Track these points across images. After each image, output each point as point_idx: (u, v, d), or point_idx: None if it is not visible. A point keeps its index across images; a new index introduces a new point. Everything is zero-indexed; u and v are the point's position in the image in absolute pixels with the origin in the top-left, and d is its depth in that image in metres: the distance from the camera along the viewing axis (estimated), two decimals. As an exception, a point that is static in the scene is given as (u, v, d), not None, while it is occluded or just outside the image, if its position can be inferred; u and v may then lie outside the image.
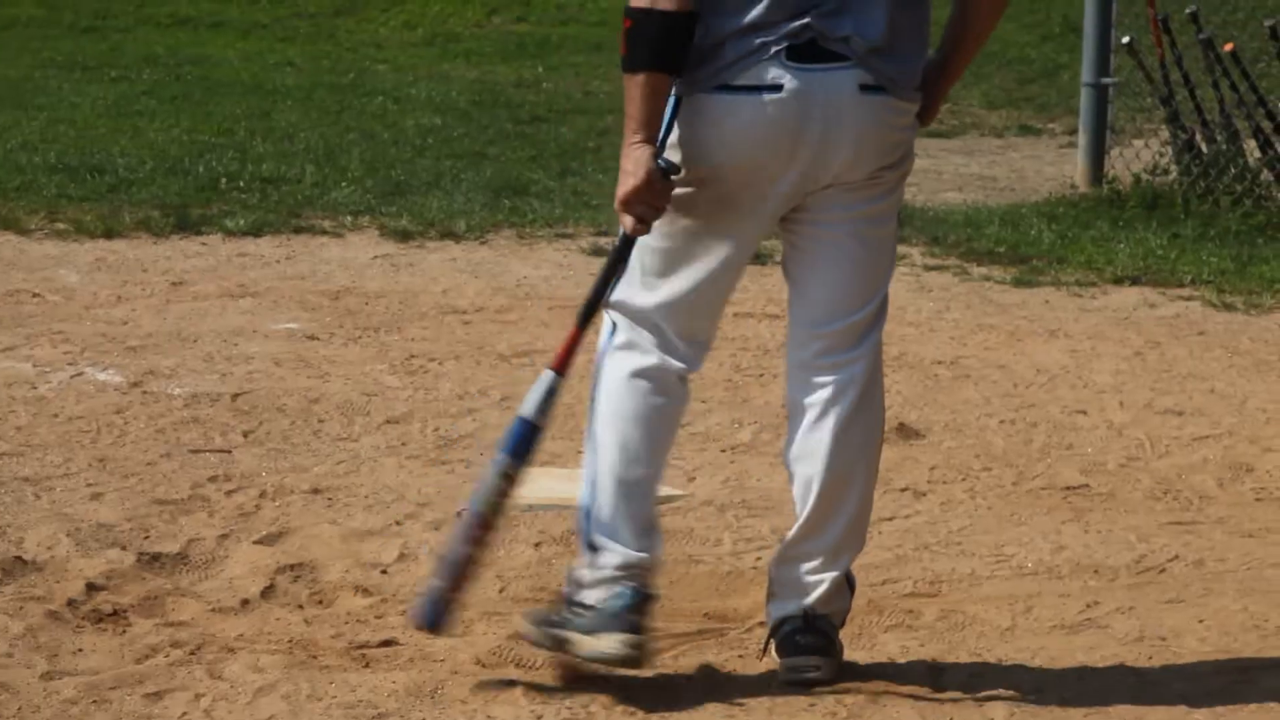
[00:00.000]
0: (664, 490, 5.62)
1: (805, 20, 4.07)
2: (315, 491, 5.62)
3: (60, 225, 9.34)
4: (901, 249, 9.25)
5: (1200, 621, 4.73)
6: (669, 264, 4.23)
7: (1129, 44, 10.45)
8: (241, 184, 10.32)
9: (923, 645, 4.55)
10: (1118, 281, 8.78)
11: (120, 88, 14.02)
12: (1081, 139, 10.93)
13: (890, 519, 5.50)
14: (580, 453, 6.03)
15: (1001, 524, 5.49)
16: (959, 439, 6.32)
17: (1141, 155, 10.51)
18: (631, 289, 4.26)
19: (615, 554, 4.23)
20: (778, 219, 4.25)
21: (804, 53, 4.08)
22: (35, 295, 8.03)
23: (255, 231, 9.35)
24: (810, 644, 4.28)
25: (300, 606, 4.74)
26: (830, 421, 4.27)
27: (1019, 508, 5.64)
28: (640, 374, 4.25)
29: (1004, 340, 7.71)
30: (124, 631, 4.55)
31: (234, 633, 4.55)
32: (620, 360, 4.27)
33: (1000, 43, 15.59)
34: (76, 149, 11.17)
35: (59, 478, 5.69)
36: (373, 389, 6.75)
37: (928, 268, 9.03)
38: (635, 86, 4.11)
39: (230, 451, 6.01)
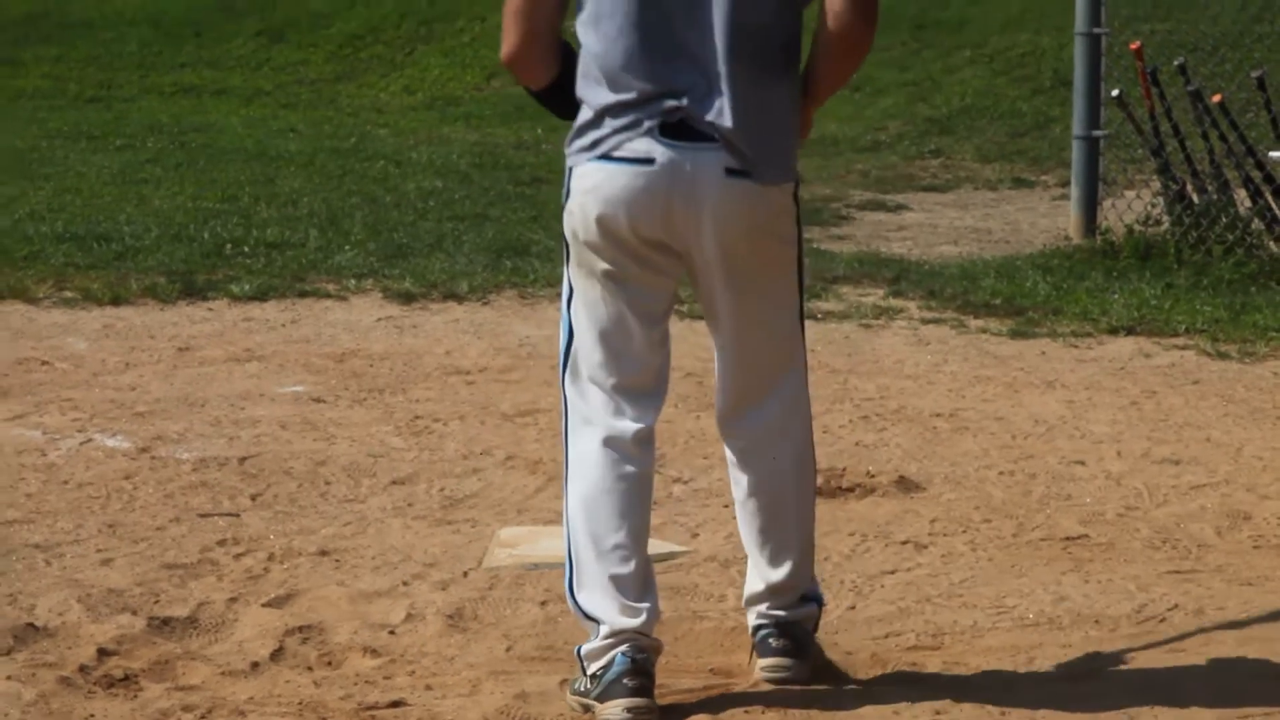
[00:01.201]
0: (667, 546, 5.64)
1: (678, 102, 4.28)
2: (323, 553, 5.62)
3: (68, 293, 9.36)
4: (898, 303, 9.35)
5: (1201, 670, 4.72)
6: (590, 326, 4.43)
7: (1118, 97, 10.47)
8: (246, 249, 10.34)
9: (926, 698, 4.53)
10: (1113, 332, 8.78)
11: (125, 156, 14.05)
12: (1074, 191, 10.95)
13: (892, 572, 5.50)
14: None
15: (1003, 575, 5.48)
16: (959, 491, 6.32)
17: (1134, 206, 10.52)
18: (571, 361, 4.47)
19: (605, 625, 4.37)
20: (677, 274, 4.47)
21: (675, 130, 4.30)
22: (44, 363, 8.04)
23: (260, 296, 9.37)
24: (783, 647, 4.51)
25: (309, 668, 4.72)
26: (759, 500, 4.56)
27: (1020, 559, 5.63)
28: (600, 446, 4.41)
29: (1002, 392, 7.71)
30: (135, 696, 4.54)
31: (244, 696, 4.53)
32: (579, 438, 4.45)
33: (992, 97, 15.68)
34: (83, 218, 11.20)
35: (69, 544, 5.69)
36: (378, 450, 6.75)
37: (924, 321, 9.03)
38: None
39: (238, 515, 6.01)
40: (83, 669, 4.66)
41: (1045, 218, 11.93)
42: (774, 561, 4.56)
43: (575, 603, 4.44)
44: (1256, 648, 4.86)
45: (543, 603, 5.18)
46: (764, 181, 4.35)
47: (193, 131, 15.48)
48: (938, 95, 15.89)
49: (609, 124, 4.32)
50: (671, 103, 4.28)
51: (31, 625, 4.95)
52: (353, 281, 9.67)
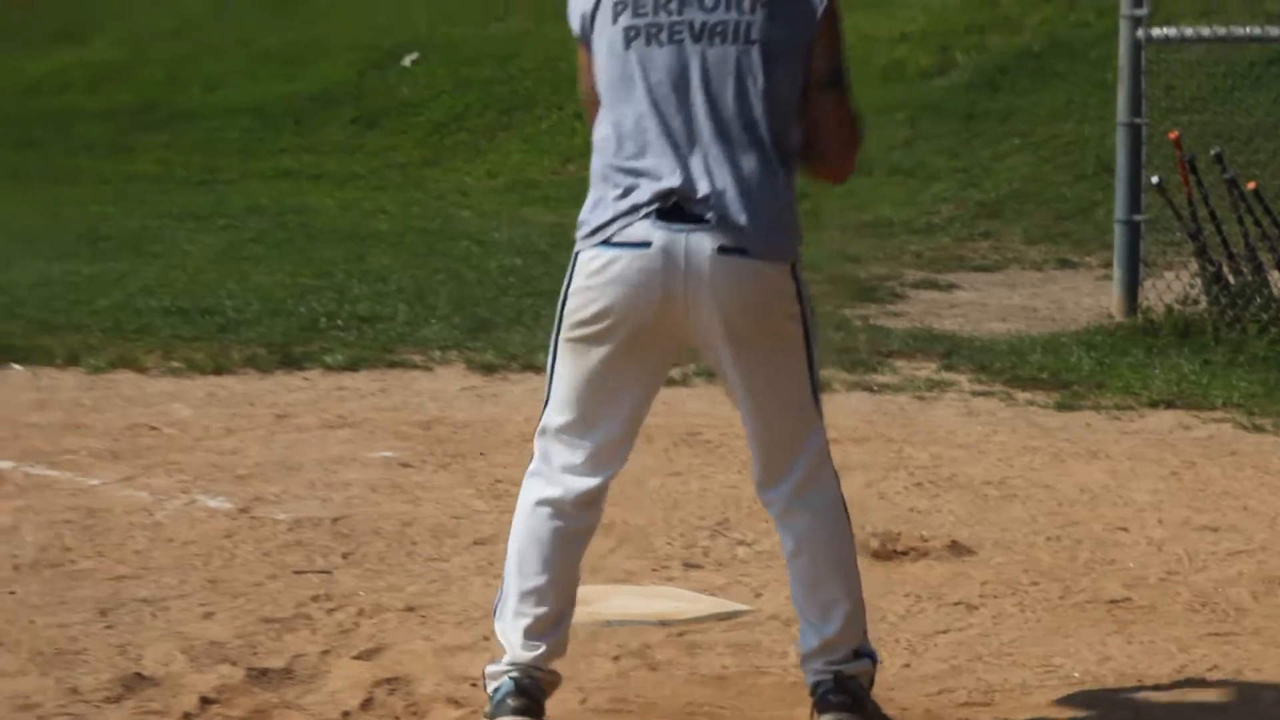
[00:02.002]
0: (732, 605, 5.63)
1: (671, 185, 4.31)
2: (409, 609, 5.61)
3: (174, 363, 9.41)
4: (949, 376, 9.32)
5: (1240, 727, 4.68)
6: (568, 391, 4.51)
7: (1158, 183, 10.44)
8: (340, 323, 10.38)
9: (978, 752, 4.51)
10: (1154, 405, 8.73)
11: (228, 235, 14.16)
12: (1116, 272, 10.91)
13: (945, 632, 5.46)
14: (654, 571, 6.06)
15: (1050, 636, 5.44)
16: (1008, 555, 6.28)
17: (1173, 286, 10.47)
18: (546, 413, 4.56)
19: (508, 652, 4.51)
20: (664, 358, 4.55)
21: (670, 214, 4.32)
22: (152, 428, 8.08)
23: (353, 367, 9.40)
24: (841, 702, 4.50)
25: (396, 718, 4.71)
26: (804, 559, 4.55)
27: (1066, 620, 5.59)
28: (542, 502, 4.54)
29: (1048, 461, 7.66)
30: (234, 743, 4.55)
31: (336, 743, 4.54)
32: (529, 487, 4.57)
33: (1038, 183, 15.64)
34: (189, 293, 11.27)
35: (174, 598, 5.70)
36: (461, 512, 6.76)
37: (975, 394, 9.00)
38: None
39: (331, 572, 6.01)
40: (186, 716, 4.67)
41: (1089, 297, 11.87)
42: (824, 616, 4.54)
43: (495, 625, 4.60)
44: (1292, 707, 4.82)
45: (615, 657, 5.17)
46: (763, 257, 4.34)
47: (291, 213, 15.58)
48: (987, 181, 15.87)
49: (610, 210, 4.36)
50: (665, 186, 4.31)
51: (139, 675, 4.96)
52: (438, 353, 9.70)
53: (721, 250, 4.30)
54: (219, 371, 9.26)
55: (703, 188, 4.30)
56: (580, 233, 4.42)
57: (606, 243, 4.36)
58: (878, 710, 4.59)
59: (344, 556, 6.20)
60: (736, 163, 4.32)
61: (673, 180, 4.30)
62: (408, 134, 19.49)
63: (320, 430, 8.08)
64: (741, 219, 4.30)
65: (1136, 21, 10.60)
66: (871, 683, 4.60)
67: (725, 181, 4.31)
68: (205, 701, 4.76)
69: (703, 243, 4.30)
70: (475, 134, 19.31)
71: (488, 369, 9.38)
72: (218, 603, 5.65)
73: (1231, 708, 4.83)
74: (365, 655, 5.15)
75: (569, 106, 19.24)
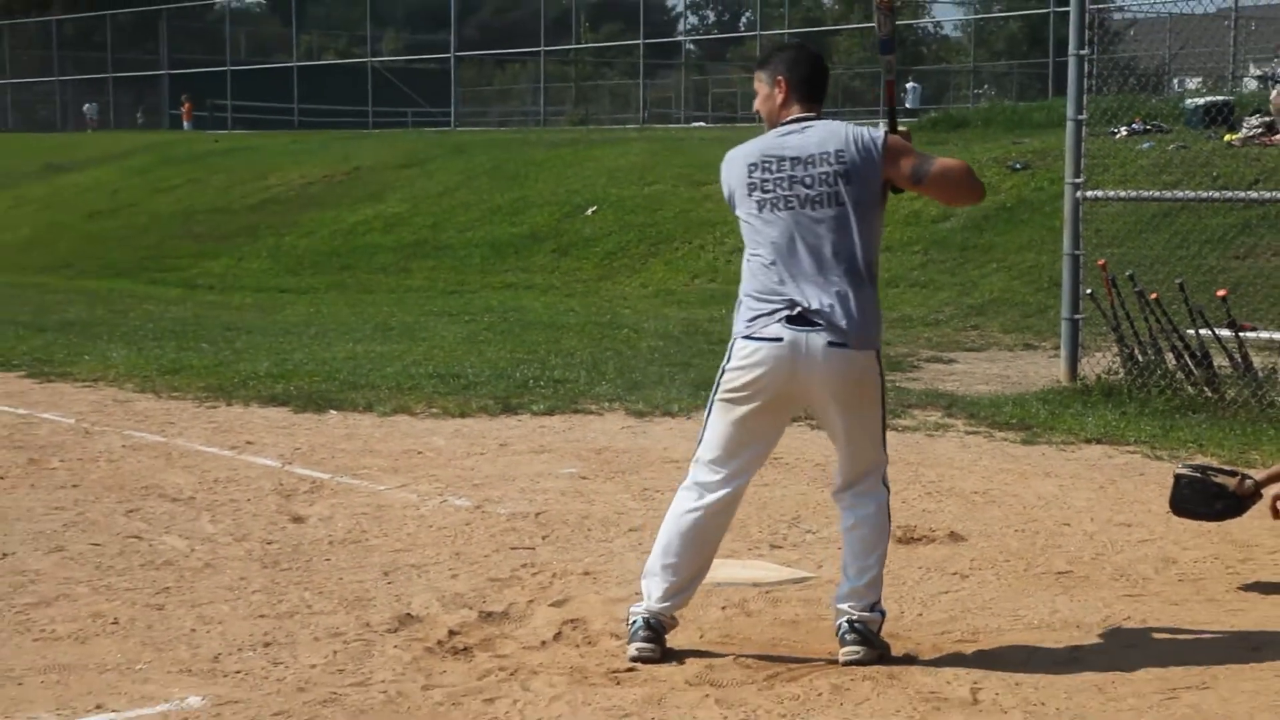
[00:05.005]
0: (801, 573, 5.58)
1: (795, 299, 4.33)
2: (586, 574, 5.63)
3: (434, 410, 9.51)
4: (948, 420, 9.21)
5: (1146, 657, 4.57)
6: (718, 432, 4.47)
7: (1091, 294, 10.30)
8: (542, 384, 10.45)
9: (968, 671, 4.43)
10: (1088, 441, 8.58)
11: (470, 326, 14.31)
12: (1063, 352, 10.75)
13: (946, 593, 5.39)
14: (749, 550, 6.03)
15: (1017, 596, 5.35)
16: (989, 541, 6.19)
17: (1100, 363, 10.30)
18: (700, 448, 4.52)
19: (646, 600, 4.52)
20: (784, 416, 4.49)
21: (796, 319, 4.33)
22: (419, 453, 8.17)
23: (550, 412, 9.45)
24: (854, 639, 4.46)
25: (577, 646, 4.73)
26: (857, 532, 4.53)
27: (1028, 585, 5.50)
28: (691, 509, 4.50)
29: (1016, 478, 7.55)
30: (470, 660, 4.57)
31: (536, 662, 4.55)
32: (682, 497, 4.54)
33: (1010, 293, 15.45)
34: (444, 363, 11.39)
35: (432, 565, 5.76)
36: (621, 510, 6.77)
37: (967, 433, 8.89)
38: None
39: (534, 548, 6.05)
40: (439, 643, 4.71)
41: (1045, 369, 11.71)
42: (859, 574, 4.50)
43: (642, 581, 4.58)
44: (1181, 644, 4.70)
45: (722, 607, 5.15)
46: (857, 347, 4.34)
47: (511, 311, 15.72)
48: (976, 291, 15.71)
49: (755, 313, 4.37)
50: (792, 299, 4.33)
51: (409, 614, 5.02)
52: (607, 404, 9.73)
53: (830, 344, 4.30)
54: (463, 415, 9.34)
55: (815, 303, 4.31)
56: (736, 329, 4.43)
57: (750, 337, 4.36)
58: (884, 644, 4.53)
59: (543, 538, 6.23)
60: (836, 286, 4.32)
61: (796, 297, 4.32)
62: (588, 259, 19.61)
63: (528, 454, 8.13)
64: (842, 323, 4.30)
65: (1076, 186, 10.48)
66: (880, 629, 4.53)
67: (831, 299, 4.31)
68: (452, 633, 4.81)
69: (816, 340, 4.30)
70: (633, 259, 19.39)
71: (639, 414, 9.40)
72: (460, 568, 5.71)
73: (1140, 644, 4.72)
74: (557, 604, 5.18)
75: (696, 241, 19.30)
